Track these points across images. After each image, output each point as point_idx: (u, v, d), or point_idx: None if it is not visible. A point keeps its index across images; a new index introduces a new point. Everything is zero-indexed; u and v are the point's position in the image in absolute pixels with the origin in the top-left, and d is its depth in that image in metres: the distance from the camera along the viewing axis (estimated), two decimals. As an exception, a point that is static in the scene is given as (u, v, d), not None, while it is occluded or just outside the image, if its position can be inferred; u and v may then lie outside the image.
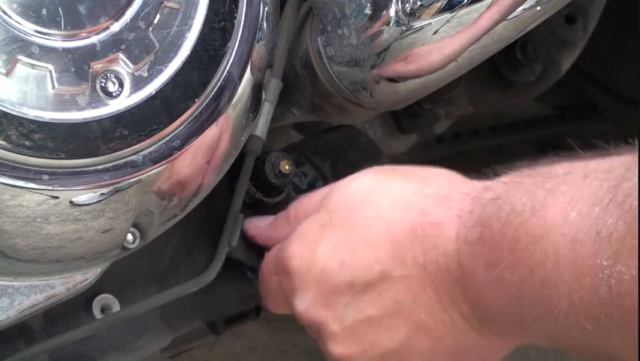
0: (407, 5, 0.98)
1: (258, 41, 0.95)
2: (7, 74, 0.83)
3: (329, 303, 0.90)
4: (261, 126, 1.03)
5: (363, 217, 0.89)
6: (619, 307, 0.70)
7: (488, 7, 0.97)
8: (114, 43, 0.87)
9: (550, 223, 0.74)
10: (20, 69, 0.84)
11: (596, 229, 0.71)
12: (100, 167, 0.86)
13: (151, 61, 0.88)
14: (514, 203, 0.78)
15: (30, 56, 0.84)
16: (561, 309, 0.74)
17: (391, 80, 1.03)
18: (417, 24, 0.99)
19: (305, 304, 0.91)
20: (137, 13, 0.88)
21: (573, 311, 0.74)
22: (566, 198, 0.74)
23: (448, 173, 0.90)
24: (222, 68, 0.91)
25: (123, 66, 0.87)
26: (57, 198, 0.85)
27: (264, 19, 0.96)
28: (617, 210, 0.70)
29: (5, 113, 0.83)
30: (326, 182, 1.15)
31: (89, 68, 0.86)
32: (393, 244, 0.87)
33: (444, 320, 0.86)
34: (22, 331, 0.97)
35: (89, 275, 0.95)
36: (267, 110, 1.03)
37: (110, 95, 0.86)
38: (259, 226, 1.04)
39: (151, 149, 0.88)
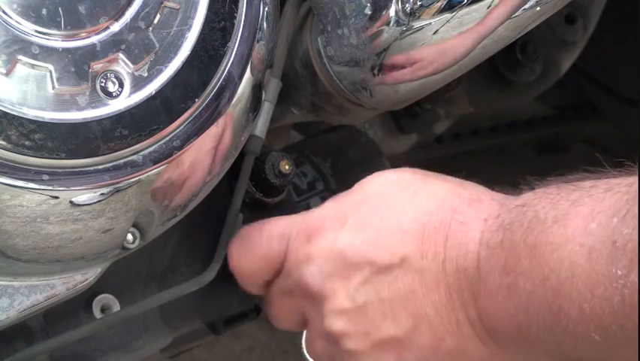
0: (407, 5, 0.98)
1: (258, 41, 0.95)
2: (7, 74, 0.83)
3: (345, 277, 0.90)
4: (261, 126, 1.03)
5: (398, 202, 0.90)
6: (632, 317, 0.70)
7: (495, 6, 0.97)
8: (114, 44, 0.87)
9: (570, 233, 0.75)
10: (20, 69, 0.84)
11: (613, 239, 0.72)
12: (100, 167, 0.86)
13: (151, 61, 0.88)
14: (537, 211, 0.79)
15: (30, 56, 0.84)
16: (570, 320, 0.75)
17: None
18: (417, 24, 0.99)
19: (320, 272, 0.91)
20: (137, 13, 0.88)
21: (583, 322, 0.74)
22: (587, 210, 0.75)
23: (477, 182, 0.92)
24: (222, 68, 0.91)
25: (123, 66, 0.87)
26: (57, 198, 0.85)
27: (264, 19, 0.96)
28: (633, 220, 0.71)
29: (5, 113, 0.83)
30: (326, 182, 1.15)
31: (89, 68, 0.86)
32: (421, 234, 0.87)
33: (450, 319, 0.87)
34: (22, 331, 0.97)
35: (89, 275, 0.95)
36: (266, 110, 1.03)
37: (110, 95, 0.86)
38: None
39: (151, 149, 0.88)
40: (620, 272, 0.70)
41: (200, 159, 0.91)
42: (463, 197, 0.88)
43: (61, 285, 0.94)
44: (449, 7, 0.98)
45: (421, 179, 0.92)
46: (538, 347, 0.81)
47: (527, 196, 0.83)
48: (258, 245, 0.99)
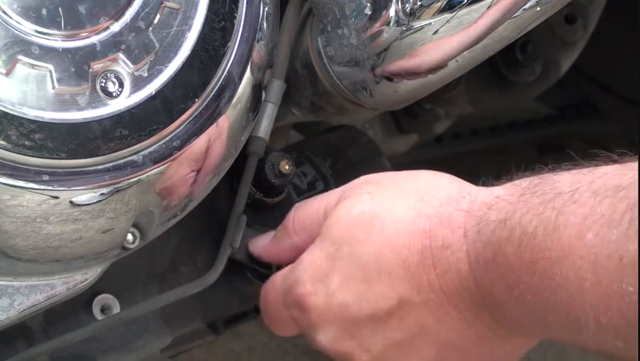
0: (407, 5, 0.98)
1: (258, 41, 0.95)
2: (7, 74, 0.83)
3: (353, 335, 0.90)
4: (264, 128, 1.03)
5: (371, 246, 0.89)
6: None
7: (489, 7, 0.97)
8: (114, 44, 0.87)
9: (565, 246, 0.74)
10: (20, 69, 0.84)
11: (619, 255, 0.70)
12: (100, 167, 0.86)
13: (151, 61, 0.88)
14: (524, 225, 0.78)
15: (30, 56, 0.84)
16: (589, 330, 0.74)
17: (391, 79, 1.03)
18: (417, 24, 0.99)
19: (329, 339, 0.91)
20: (137, 13, 0.88)
21: (602, 332, 0.73)
22: (577, 219, 0.74)
23: (440, 181, 0.90)
24: (222, 68, 0.91)
25: (123, 66, 0.87)
26: (57, 198, 0.85)
27: (264, 19, 0.96)
28: (636, 235, 0.69)
29: (5, 113, 0.83)
30: (326, 182, 1.15)
31: (89, 68, 0.86)
32: (406, 270, 0.87)
33: (470, 335, 0.86)
34: (22, 331, 0.97)
35: (89, 275, 0.95)
36: (270, 111, 1.03)
37: (110, 95, 0.86)
38: (262, 245, 1.03)
39: (151, 149, 0.88)
40: (631, 288, 0.70)
41: (200, 159, 0.91)
42: (431, 217, 0.87)
43: (61, 285, 0.94)
44: (449, 7, 0.98)
45: (381, 208, 0.90)
46: (561, 338, 0.81)
47: (505, 207, 0.81)
48: (267, 305, 0.99)
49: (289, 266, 0.95)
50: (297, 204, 1.00)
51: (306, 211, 0.97)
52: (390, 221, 0.89)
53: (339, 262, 0.90)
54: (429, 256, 0.86)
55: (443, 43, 0.99)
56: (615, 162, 0.77)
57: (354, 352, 0.90)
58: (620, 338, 0.72)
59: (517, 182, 0.84)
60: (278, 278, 0.97)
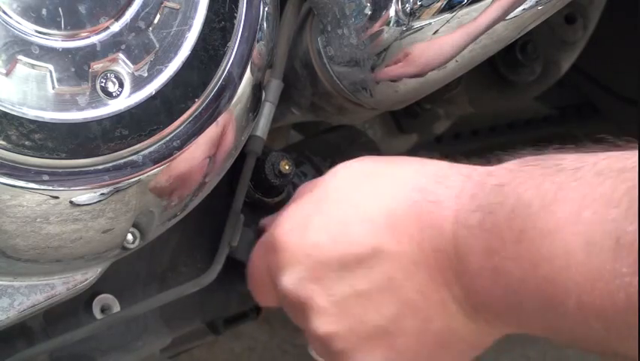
0: (407, 5, 0.98)
1: (258, 41, 0.95)
2: (7, 74, 0.83)
3: (319, 277, 0.87)
4: (262, 127, 1.03)
5: (362, 193, 0.87)
6: (636, 315, 0.69)
7: (488, 5, 0.97)
8: (114, 44, 0.87)
9: (561, 220, 0.73)
10: (20, 69, 0.84)
11: (616, 235, 0.69)
12: (100, 167, 0.86)
13: (151, 61, 0.88)
14: (520, 193, 0.76)
15: (30, 56, 0.84)
16: (567, 308, 0.73)
17: (391, 80, 1.03)
18: (417, 24, 0.99)
19: (294, 279, 0.88)
20: (137, 13, 0.88)
21: (581, 312, 0.72)
22: (577, 195, 0.73)
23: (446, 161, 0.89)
24: (222, 68, 0.91)
25: (123, 66, 0.87)
26: (57, 198, 0.85)
27: (264, 19, 0.96)
28: (636, 217, 0.68)
29: (5, 113, 0.83)
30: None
31: (89, 68, 0.86)
32: (391, 220, 0.84)
33: (435, 300, 0.84)
34: (22, 331, 0.97)
35: (89, 275, 0.95)
36: (268, 110, 1.03)
37: (110, 95, 0.86)
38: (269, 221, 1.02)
39: (151, 149, 0.88)
40: (625, 270, 0.69)
41: (200, 159, 0.91)
42: (428, 175, 0.85)
43: (61, 285, 0.94)
44: (449, 7, 0.98)
45: (383, 165, 0.89)
46: (530, 325, 0.79)
47: (505, 174, 0.80)
48: (252, 266, 0.98)
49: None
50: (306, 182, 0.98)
51: (309, 184, 0.96)
52: (386, 175, 0.87)
53: (326, 205, 0.88)
54: (416, 209, 0.83)
55: (442, 40, 0.99)
56: (620, 147, 0.77)
57: (314, 296, 0.87)
58: (600, 318, 0.71)
59: (520, 155, 0.82)
60: (265, 234, 0.95)
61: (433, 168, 0.86)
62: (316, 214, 0.89)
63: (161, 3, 0.89)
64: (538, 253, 0.74)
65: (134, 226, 0.92)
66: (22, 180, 0.84)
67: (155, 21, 0.89)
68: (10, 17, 0.84)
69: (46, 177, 0.84)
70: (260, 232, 1.02)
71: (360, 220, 0.86)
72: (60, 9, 0.85)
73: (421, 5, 0.98)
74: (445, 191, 0.83)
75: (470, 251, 0.80)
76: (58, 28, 0.85)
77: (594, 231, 0.71)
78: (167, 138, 0.89)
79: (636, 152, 0.74)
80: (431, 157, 0.90)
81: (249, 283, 0.99)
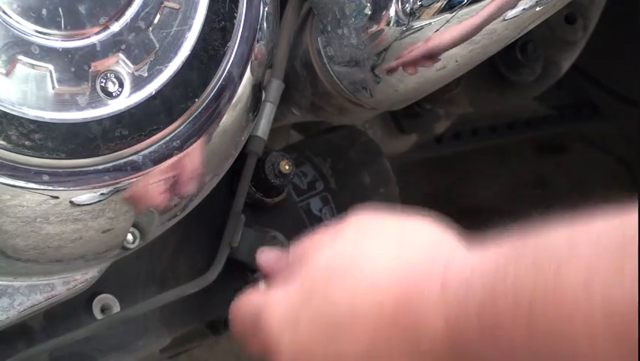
0: (407, 5, 0.98)
1: (258, 41, 0.95)
2: (7, 74, 0.83)
3: None
4: (263, 127, 1.03)
5: (345, 295, 0.84)
6: None
7: (485, 5, 0.98)
8: (114, 44, 0.87)
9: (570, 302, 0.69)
10: (20, 69, 0.84)
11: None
12: (100, 167, 0.86)
13: (151, 61, 0.88)
14: (518, 274, 0.73)
15: (30, 56, 0.84)
16: None
17: (392, 72, 1.02)
18: (417, 24, 0.99)
19: None
20: (137, 13, 0.88)
21: None
22: (580, 274, 0.68)
23: (425, 231, 0.85)
24: (222, 68, 0.91)
25: (123, 66, 0.87)
26: (57, 198, 0.85)
27: (264, 19, 0.96)
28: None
29: (5, 113, 0.83)
30: (326, 182, 1.15)
31: (89, 68, 0.86)
32: (378, 321, 0.82)
33: None
34: (22, 331, 0.97)
35: (89, 275, 0.95)
36: (268, 110, 1.03)
37: (110, 95, 0.86)
38: (269, 261, 1.00)
39: (151, 149, 0.88)
40: None
41: (200, 160, 0.91)
42: (410, 267, 0.82)
43: (61, 285, 0.94)
44: (449, 7, 0.98)
45: (360, 257, 0.85)
46: None
47: (493, 256, 0.76)
48: (236, 321, 0.96)
49: (263, 290, 0.93)
50: (311, 234, 0.96)
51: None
52: (367, 272, 0.84)
53: (310, 310, 0.86)
54: (403, 308, 0.81)
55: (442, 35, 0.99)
56: (610, 212, 0.74)
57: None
58: None
59: (505, 238, 0.78)
60: (252, 300, 0.93)
61: (413, 258, 0.83)
62: (303, 318, 0.86)
63: (161, 3, 0.89)
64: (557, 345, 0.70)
65: (134, 226, 0.92)
66: (22, 180, 0.84)
67: (155, 21, 0.89)
68: (10, 17, 0.84)
69: (46, 177, 0.84)
70: (256, 280, 1.02)
71: (348, 326, 0.83)
72: (60, 9, 0.85)
73: (421, 5, 0.98)
74: (429, 285, 0.80)
75: (469, 342, 0.77)
76: (58, 28, 0.85)
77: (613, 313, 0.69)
78: (167, 138, 0.89)
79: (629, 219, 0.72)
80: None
81: (232, 328, 0.98)
